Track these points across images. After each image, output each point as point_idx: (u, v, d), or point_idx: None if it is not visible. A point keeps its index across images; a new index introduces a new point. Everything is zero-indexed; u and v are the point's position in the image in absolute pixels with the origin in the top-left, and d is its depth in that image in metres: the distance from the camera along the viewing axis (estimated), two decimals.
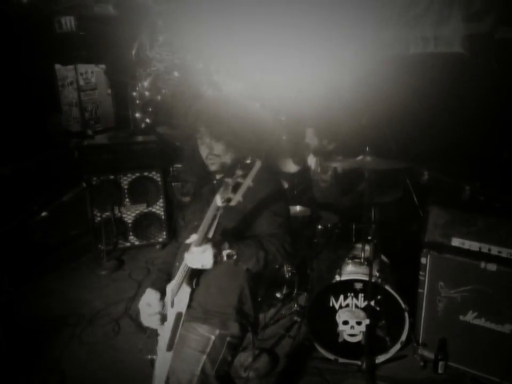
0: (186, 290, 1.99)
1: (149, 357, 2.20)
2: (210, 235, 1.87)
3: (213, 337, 2.00)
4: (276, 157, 2.18)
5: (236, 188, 1.67)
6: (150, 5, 5.39)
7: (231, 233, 1.97)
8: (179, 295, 2.02)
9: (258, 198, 1.95)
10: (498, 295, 2.86)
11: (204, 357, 1.97)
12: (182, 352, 2.01)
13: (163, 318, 2.11)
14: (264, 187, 1.96)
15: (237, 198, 1.67)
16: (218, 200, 1.71)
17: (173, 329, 2.02)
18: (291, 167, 4.15)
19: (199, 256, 1.81)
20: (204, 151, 2.05)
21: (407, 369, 3.18)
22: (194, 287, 2.01)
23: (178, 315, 2.01)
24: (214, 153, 2.03)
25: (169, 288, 2.11)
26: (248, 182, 1.68)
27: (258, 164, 1.73)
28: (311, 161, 4.04)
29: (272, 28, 4.83)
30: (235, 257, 1.84)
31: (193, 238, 1.87)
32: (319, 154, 3.99)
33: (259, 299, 3.44)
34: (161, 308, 2.12)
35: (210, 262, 1.80)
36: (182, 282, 1.99)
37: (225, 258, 1.83)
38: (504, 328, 2.88)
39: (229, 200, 1.68)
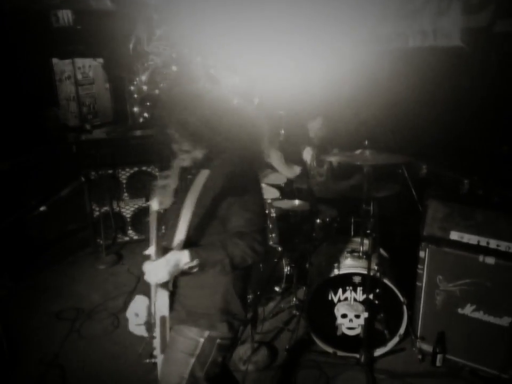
0: (163, 293, 1.90)
1: (148, 360, 2.15)
2: (168, 242, 1.82)
3: (202, 340, 1.93)
4: (255, 154, 2.02)
5: (169, 189, 1.67)
6: None
7: (197, 235, 1.89)
8: (158, 300, 1.92)
9: (218, 194, 1.86)
10: (497, 289, 2.87)
11: (193, 360, 1.92)
12: (171, 355, 1.97)
13: (151, 327, 2.02)
14: (224, 183, 1.86)
15: (168, 201, 1.65)
16: (154, 205, 1.68)
17: (161, 334, 1.95)
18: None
19: (152, 272, 1.76)
20: (174, 146, 1.98)
21: (405, 362, 3.20)
22: (171, 289, 1.92)
23: (162, 319, 1.92)
24: (182, 149, 1.95)
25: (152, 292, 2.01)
26: (174, 183, 1.67)
27: (180, 163, 1.78)
28: (307, 155, 4.03)
29: (271, 21, 4.82)
30: (196, 268, 1.77)
31: (151, 249, 1.82)
32: (317, 147, 3.98)
33: (249, 295, 3.45)
34: (150, 316, 2.01)
35: (165, 277, 1.76)
36: (156, 286, 1.90)
37: (186, 268, 1.76)
38: (502, 321, 2.89)
39: (162, 203, 1.66)
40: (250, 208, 1.87)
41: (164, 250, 1.80)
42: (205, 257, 1.78)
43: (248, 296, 3.44)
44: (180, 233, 1.86)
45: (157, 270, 1.75)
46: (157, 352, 2.04)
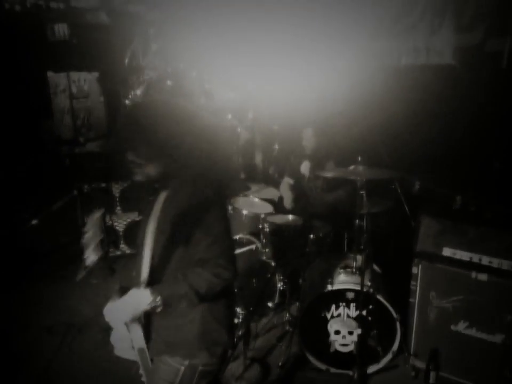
0: (136, 327, 1.77)
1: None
2: (137, 272, 1.75)
3: (182, 368, 1.85)
4: (223, 173, 1.93)
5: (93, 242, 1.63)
6: (143, 14, 5.41)
7: (162, 264, 1.80)
8: (132, 333, 1.78)
9: (178, 218, 1.74)
10: (489, 305, 2.87)
11: None
12: (154, 382, 1.91)
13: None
14: (184, 205, 1.75)
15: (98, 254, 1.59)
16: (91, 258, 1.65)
17: (143, 365, 1.88)
18: (287, 183, 4.17)
19: (111, 315, 1.69)
20: (128, 157, 1.87)
21: (398, 379, 3.18)
22: (143, 321, 1.81)
23: (141, 351, 1.83)
24: (136, 161, 1.84)
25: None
26: (96, 235, 1.63)
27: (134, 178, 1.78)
28: (305, 169, 4.05)
29: (266, 37, 4.87)
30: (160, 308, 1.69)
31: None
32: (313, 159, 3.99)
33: (241, 312, 3.43)
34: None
35: (125, 320, 1.68)
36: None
37: (149, 309, 1.68)
38: (495, 338, 2.88)
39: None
40: (213, 232, 1.75)
41: (123, 289, 1.72)
42: (167, 294, 1.69)
43: (238, 315, 3.43)
44: (145, 264, 1.75)
45: (116, 313, 1.68)
46: (144, 379, 1.98)
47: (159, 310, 1.69)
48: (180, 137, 1.78)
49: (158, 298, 1.67)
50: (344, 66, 4.72)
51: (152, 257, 1.75)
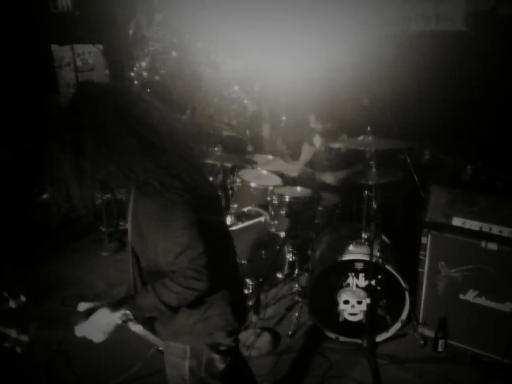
0: (133, 325, 1.73)
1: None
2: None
3: (188, 347, 1.83)
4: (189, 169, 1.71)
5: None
6: None
7: (149, 265, 1.76)
8: (132, 328, 1.76)
9: (142, 224, 1.64)
10: (499, 274, 2.88)
11: (186, 362, 1.84)
12: (168, 359, 1.91)
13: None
14: (146, 208, 1.62)
15: None
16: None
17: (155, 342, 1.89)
18: (309, 150, 4.14)
19: (86, 334, 1.62)
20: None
21: (407, 347, 3.22)
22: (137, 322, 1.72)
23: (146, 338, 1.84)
24: (92, 163, 1.60)
25: None
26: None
27: None
28: (316, 142, 4.03)
29: (272, 7, 4.77)
30: (132, 320, 1.61)
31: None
32: (324, 136, 3.97)
33: (251, 282, 3.46)
34: None
35: (100, 339, 1.63)
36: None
37: (121, 322, 1.60)
38: (504, 307, 2.90)
39: None
40: (179, 242, 1.57)
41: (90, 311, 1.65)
42: (138, 306, 1.61)
43: (248, 285, 3.47)
44: (132, 265, 1.75)
45: (89, 333, 1.62)
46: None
47: (132, 323, 1.62)
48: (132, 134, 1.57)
49: (129, 310, 1.60)
50: (353, 33, 4.63)
51: (136, 258, 1.75)
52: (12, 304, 1.51)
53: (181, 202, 1.60)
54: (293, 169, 4.17)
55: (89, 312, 1.58)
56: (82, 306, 1.63)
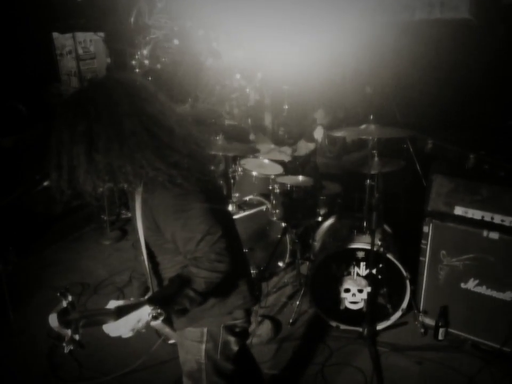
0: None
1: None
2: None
3: (205, 329, 1.85)
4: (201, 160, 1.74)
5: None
6: None
7: (162, 260, 1.78)
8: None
9: (157, 217, 1.64)
10: (500, 264, 2.88)
11: (203, 345, 1.86)
12: (183, 344, 1.93)
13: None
14: (159, 201, 1.63)
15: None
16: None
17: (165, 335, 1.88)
18: (305, 146, 4.14)
19: (114, 332, 1.59)
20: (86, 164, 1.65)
21: (408, 335, 3.23)
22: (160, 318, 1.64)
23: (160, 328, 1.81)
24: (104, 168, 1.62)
25: None
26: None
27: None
28: (318, 134, 4.01)
29: None
30: (162, 316, 1.55)
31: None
32: (328, 126, 3.96)
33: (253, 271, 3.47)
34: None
35: (127, 335, 1.59)
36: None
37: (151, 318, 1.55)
38: (505, 296, 2.90)
39: None
40: (197, 229, 1.60)
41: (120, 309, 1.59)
42: (168, 300, 1.58)
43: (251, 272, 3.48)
44: (145, 261, 1.75)
45: (119, 330, 1.58)
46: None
47: (162, 318, 1.56)
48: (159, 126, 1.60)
49: (158, 310, 1.55)
50: (357, 21, 4.59)
51: (150, 253, 1.75)
52: (64, 303, 1.51)
53: (194, 191, 1.64)
54: (286, 154, 4.17)
55: (119, 310, 1.55)
56: (112, 304, 1.60)
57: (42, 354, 3.15)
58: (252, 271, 3.51)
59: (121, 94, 1.58)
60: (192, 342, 1.89)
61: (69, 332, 1.49)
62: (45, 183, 3.44)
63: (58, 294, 1.52)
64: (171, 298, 1.59)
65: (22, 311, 3.52)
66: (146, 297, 1.61)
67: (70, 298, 1.52)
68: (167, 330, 1.85)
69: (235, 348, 1.92)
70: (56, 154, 1.60)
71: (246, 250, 3.53)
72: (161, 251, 1.78)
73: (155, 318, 1.55)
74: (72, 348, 1.49)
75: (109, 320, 1.55)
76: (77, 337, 1.50)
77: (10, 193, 3.69)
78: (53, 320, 1.49)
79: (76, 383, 2.97)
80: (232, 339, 1.90)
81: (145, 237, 1.73)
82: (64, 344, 1.48)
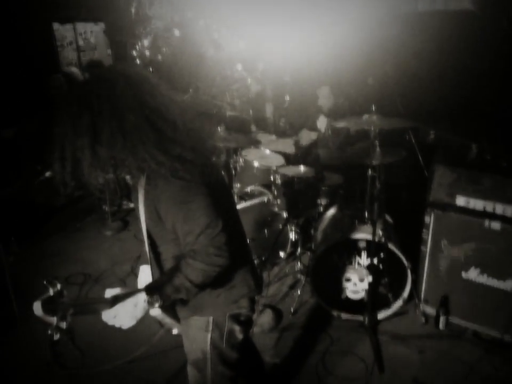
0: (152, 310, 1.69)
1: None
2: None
3: (211, 317, 1.86)
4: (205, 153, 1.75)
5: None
6: None
7: (163, 248, 1.79)
8: (151, 313, 1.71)
9: (158, 207, 1.65)
10: (501, 253, 2.88)
11: (209, 334, 1.87)
12: (188, 333, 1.94)
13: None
14: (162, 192, 1.63)
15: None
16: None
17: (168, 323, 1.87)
18: (308, 136, 4.13)
19: (114, 321, 1.61)
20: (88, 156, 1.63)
21: (409, 324, 3.25)
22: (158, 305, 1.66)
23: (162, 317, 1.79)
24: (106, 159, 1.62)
25: None
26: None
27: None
28: (321, 124, 4.00)
29: None
30: (159, 303, 1.58)
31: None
32: (333, 114, 3.95)
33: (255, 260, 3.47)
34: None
35: (131, 323, 1.60)
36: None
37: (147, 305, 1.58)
38: (505, 285, 2.91)
39: None
40: (197, 222, 1.59)
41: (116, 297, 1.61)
42: (164, 288, 1.59)
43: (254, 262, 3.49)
44: (147, 250, 1.75)
45: (118, 318, 1.60)
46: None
47: (158, 305, 1.59)
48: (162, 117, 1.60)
49: (156, 296, 1.58)
50: (360, 13, 4.57)
51: (152, 243, 1.76)
52: (51, 292, 1.51)
53: (197, 184, 1.63)
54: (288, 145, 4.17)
55: (115, 299, 1.56)
56: (109, 292, 1.61)
57: (45, 343, 3.16)
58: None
59: (124, 87, 1.57)
60: (198, 331, 1.89)
61: (54, 319, 1.49)
62: (47, 174, 3.43)
63: (45, 282, 1.50)
64: (167, 287, 1.59)
65: (24, 301, 3.53)
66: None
67: (58, 286, 1.52)
68: (168, 320, 1.85)
69: (240, 336, 1.93)
70: (59, 146, 1.59)
71: (248, 241, 3.53)
72: (163, 241, 1.79)
73: (150, 303, 1.56)
74: (58, 336, 1.50)
75: (104, 308, 1.55)
76: (64, 325, 1.50)
77: (12, 184, 3.69)
78: (37, 308, 1.48)
79: (78, 371, 2.99)
80: (237, 328, 1.91)
81: (147, 228, 1.73)
82: (49, 332, 1.49)
